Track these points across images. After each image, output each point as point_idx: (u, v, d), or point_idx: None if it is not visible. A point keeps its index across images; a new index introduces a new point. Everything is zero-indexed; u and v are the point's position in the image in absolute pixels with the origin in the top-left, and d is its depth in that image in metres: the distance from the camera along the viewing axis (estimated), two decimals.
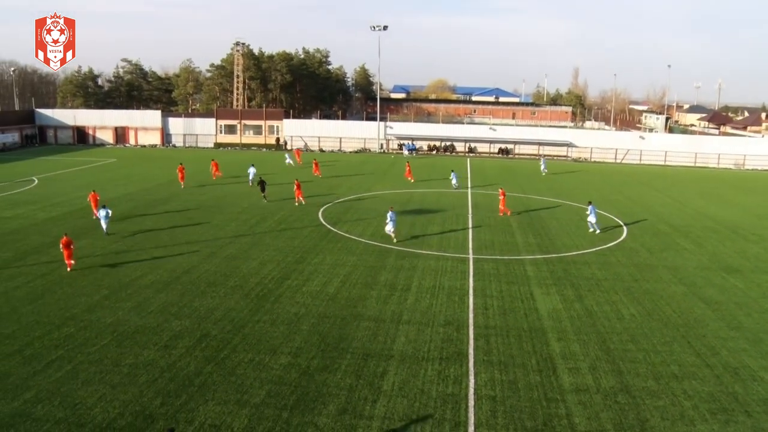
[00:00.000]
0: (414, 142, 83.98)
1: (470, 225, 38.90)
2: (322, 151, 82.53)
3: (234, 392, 17.48)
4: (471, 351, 20.38)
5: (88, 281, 27.25)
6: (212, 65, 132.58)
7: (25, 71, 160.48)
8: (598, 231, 37.61)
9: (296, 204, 44.08)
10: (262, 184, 46.82)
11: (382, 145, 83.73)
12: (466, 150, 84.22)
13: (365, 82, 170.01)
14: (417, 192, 50.30)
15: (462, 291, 26.37)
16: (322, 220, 39.25)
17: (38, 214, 41.14)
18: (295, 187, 44.65)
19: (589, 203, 38.75)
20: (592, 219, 37.68)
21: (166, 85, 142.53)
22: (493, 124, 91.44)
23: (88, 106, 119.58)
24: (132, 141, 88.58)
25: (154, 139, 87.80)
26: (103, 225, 35.68)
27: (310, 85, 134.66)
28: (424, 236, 35.66)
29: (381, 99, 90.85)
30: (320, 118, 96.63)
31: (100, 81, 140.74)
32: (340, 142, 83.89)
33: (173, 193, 48.51)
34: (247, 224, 38.05)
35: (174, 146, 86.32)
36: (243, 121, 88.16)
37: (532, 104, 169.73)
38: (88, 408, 16.67)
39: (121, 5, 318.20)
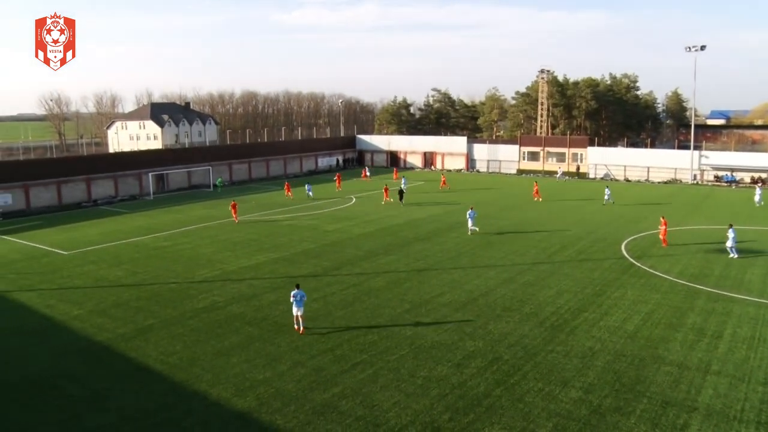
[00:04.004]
0: (734, 174, 75.55)
1: None
2: (627, 181, 78.55)
3: (520, 419, 17.47)
4: None
5: (393, 294, 29.59)
6: (517, 93, 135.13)
7: (349, 102, 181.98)
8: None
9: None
10: (400, 193, 58.43)
11: (695, 176, 76.89)
12: None
13: (677, 107, 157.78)
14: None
15: None
16: (624, 253, 37.34)
17: (354, 229, 45.98)
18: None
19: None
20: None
21: (471, 112, 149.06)
22: None
23: (400, 133, 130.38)
24: (438, 165, 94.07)
25: (459, 164, 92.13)
26: (310, 194, 62.70)
27: (616, 112, 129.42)
28: (743, 279, 31.75)
29: (695, 126, 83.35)
30: (626, 146, 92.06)
31: (412, 109, 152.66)
32: (648, 171, 78.95)
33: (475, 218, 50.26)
34: (546, 252, 37.85)
35: (478, 171, 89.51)
36: (546, 149, 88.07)
37: None
38: (383, 411, 18.10)
39: (432, 39, 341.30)
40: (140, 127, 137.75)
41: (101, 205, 63.50)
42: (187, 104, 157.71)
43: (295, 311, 24.91)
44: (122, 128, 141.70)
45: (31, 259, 39.06)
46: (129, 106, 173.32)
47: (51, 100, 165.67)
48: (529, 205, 56.28)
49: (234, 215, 50.75)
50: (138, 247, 41.97)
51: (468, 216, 44.10)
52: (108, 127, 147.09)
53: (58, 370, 21.96)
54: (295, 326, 25.05)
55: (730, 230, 36.37)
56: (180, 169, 75.15)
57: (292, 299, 24.97)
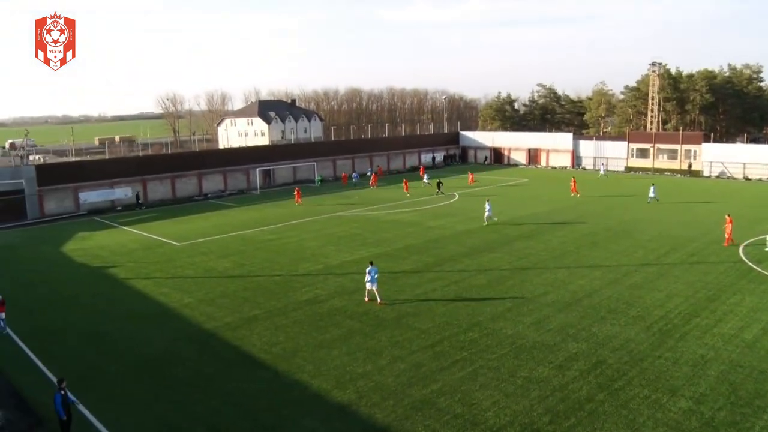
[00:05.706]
0: None
1: None
2: (747, 179, 73.64)
3: (624, 427, 16.80)
4: None
5: (495, 292, 29.22)
6: (626, 87, 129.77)
7: (452, 98, 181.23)
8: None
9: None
10: (438, 184, 63.91)
11: None
12: None
13: None
14: None
15: None
16: (743, 256, 35.08)
17: (457, 225, 45.73)
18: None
19: None
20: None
21: (578, 108, 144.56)
22: None
23: (504, 129, 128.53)
24: (543, 162, 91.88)
25: (565, 160, 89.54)
26: (354, 180, 72.27)
27: (735, 106, 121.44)
28: None
29: None
30: (746, 142, 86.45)
31: (516, 105, 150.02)
32: None
33: (580, 215, 48.85)
34: (655, 253, 36.16)
35: (584, 168, 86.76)
36: (656, 145, 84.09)
37: None
38: (482, 410, 17.92)
39: (538, 33, 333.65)
40: (248, 124, 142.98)
41: (211, 199, 66.45)
42: (293, 101, 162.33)
43: (369, 286, 27.72)
44: (231, 125, 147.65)
45: (148, 249, 41.48)
46: (238, 104, 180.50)
47: (167, 100, 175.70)
48: (637, 205, 53.93)
49: (297, 199, 59.93)
50: (245, 239, 43.60)
51: (486, 208, 46.27)
52: (218, 124, 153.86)
53: (171, 354, 23.22)
54: (378, 300, 27.71)
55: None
56: (286, 164, 77.48)
57: (367, 276, 27.69)
